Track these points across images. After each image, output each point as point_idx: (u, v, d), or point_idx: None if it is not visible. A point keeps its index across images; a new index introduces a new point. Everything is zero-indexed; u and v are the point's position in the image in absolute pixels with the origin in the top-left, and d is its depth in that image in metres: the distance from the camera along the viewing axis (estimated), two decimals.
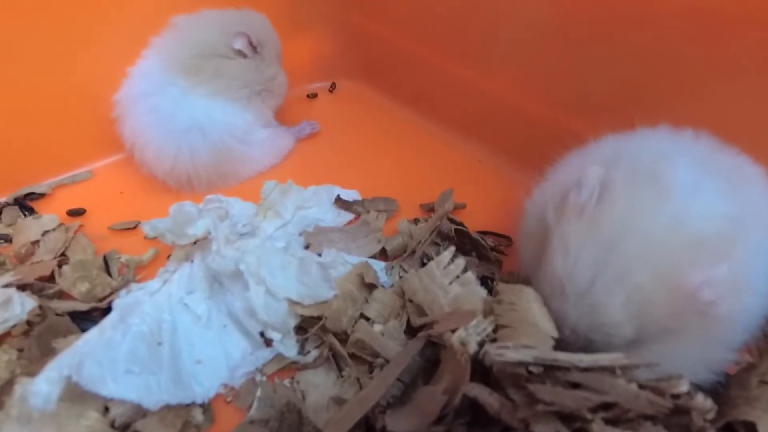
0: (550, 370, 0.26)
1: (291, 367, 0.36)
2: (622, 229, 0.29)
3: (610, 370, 0.26)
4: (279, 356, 0.37)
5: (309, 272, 0.37)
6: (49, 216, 0.51)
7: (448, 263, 0.33)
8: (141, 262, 0.46)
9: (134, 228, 0.50)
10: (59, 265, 0.44)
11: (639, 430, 0.24)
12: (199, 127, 0.50)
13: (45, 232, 0.49)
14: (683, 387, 0.25)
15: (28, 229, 0.49)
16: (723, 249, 0.28)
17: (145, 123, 0.50)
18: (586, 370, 0.26)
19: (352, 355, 0.35)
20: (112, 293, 0.42)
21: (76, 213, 0.52)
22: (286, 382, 0.35)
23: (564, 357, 0.26)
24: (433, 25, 0.59)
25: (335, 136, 0.63)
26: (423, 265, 0.37)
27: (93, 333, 0.33)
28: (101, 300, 0.41)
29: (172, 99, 0.50)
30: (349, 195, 0.50)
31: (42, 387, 0.29)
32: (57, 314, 0.39)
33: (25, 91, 0.53)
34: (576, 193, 0.31)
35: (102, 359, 0.32)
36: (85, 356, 0.31)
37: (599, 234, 0.29)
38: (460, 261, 0.33)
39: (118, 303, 0.37)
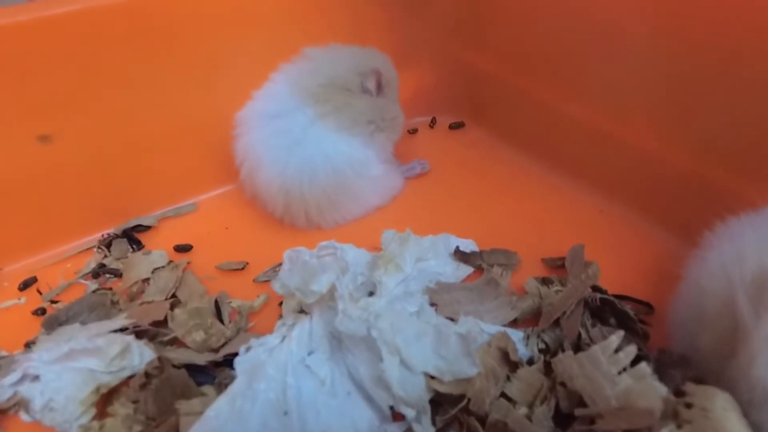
0: None
1: None
2: None
3: None
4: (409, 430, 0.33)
5: (447, 344, 0.33)
6: (158, 252, 0.50)
7: (617, 349, 0.29)
8: (252, 309, 0.44)
9: (242, 269, 0.48)
10: (171, 308, 0.43)
11: None
12: (325, 155, 0.49)
13: (155, 270, 0.48)
14: None
15: (138, 266, 0.49)
16: None
17: (270, 144, 0.49)
18: None
19: None
20: (226, 343, 0.40)
21: (183, 249, 0.52)
22: None
23: None
24: (552, 63, 0.55)
25: (441, 176, 0.60)
26: (578, 345, 0.33)
27: (222, 403, 0.31)
28: (216, 350, 0.40)
29: (301, 124, 0.49)
30: (466, 245, 0.46)
31: None
32: (174, 365, 0.38)
33: (136, 122, 0.54)
34: None
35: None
36: (218, 430, 0.29)
37: None
38: (632, 349, 0.29)
39: (241, 363, 0.35)
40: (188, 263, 0.50)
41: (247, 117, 0.51)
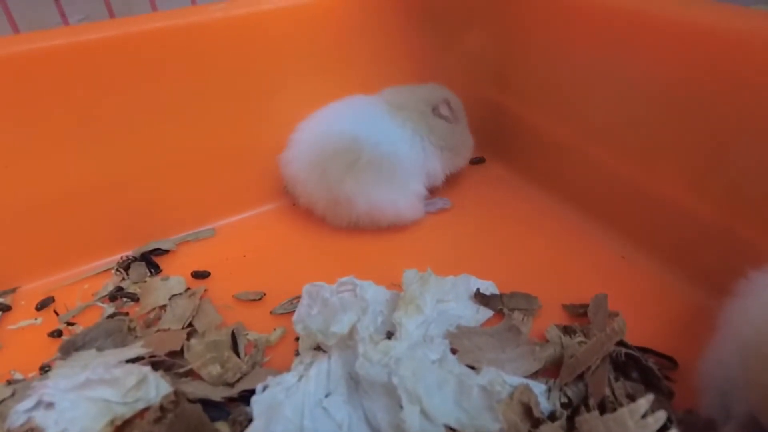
0: None
1: None
2: None
3: None
4: None
5: (469, 396, 0.33)
6: (176, 279, 0.51)
7: (645, 414, 0.29)
8: (269, 342, 0.43)
9: (260, 300, 0.49)
10: (188, 337, 0.43)
11: None
12: (400, 139, 0.55)
13: (172, 297, 0.48)
14: None
15: (156, 292, 0.49)
16: None
17: (348, 117, 0.55)
18: None
19: None
20: (242, 377, 0.40)
21: (201, 276, 0.52)
22: None
23: None
24: (579, 109, 0.56)
25: (461, 212, 0.60)
26: (602, 403, 0.32)
27: None
28: (231, 385, 0.39)
29: (382, 111, 0.56)
30: (486, 287, 0.46)
31: None
32: (189, 399, 0.38)
33: (160, 146, 0.54)
34: None
35: None
36: None
37: None
38: (661, 414, 0.28)
39: (258, 403, 0.35)
40: (205, 290, 0.50)
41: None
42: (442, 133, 0.57)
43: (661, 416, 0.28)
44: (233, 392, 0.38)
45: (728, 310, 0.34)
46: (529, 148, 0.64)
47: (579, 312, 0.44)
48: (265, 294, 0.49)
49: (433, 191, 0.61)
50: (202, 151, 0.56)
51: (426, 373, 0.33)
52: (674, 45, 0.44)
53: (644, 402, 0.29)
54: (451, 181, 0.65)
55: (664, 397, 0.36)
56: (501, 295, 0.46)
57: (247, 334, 0.44)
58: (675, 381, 0.38)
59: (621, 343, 0.38)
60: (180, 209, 0.58)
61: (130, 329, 0.45)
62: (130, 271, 0.53)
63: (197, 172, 0.57)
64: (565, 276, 0.49)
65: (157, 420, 0.36)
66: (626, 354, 0.36)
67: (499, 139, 0.68)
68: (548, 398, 0.35)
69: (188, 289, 0.49)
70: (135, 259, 0.54)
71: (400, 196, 0.54)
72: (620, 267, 0.50)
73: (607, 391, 0.33)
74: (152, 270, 0.53)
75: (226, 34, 0.53)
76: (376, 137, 0.53)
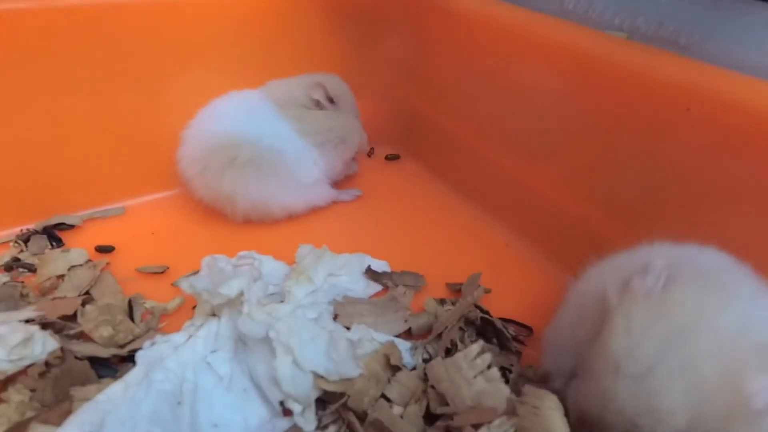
0: None
1: None
2: (693, 322, 0.30)
3: None
4: (295, 427, 0.37)
5: (338, 348, 0.38)
6: (77, 250, 0.53)
7: (475, 356, 0.35)
8: (165, 310, 0.47)
9: (162, 273, 0.52)
10: (83, 304, 0.46)
11: None
12: (275, 135, 0.57)
13: (71, 267, 0.51)
14: None
15: (54, 262, 0.51)
16: None
17: (228, 109, 0.59)
18: None
19: None
20: (133, 340, 0.43)
21: (105, 250, 0.55)
22: None
23: None
24: (479, 113, 0.64)
25: (370, 202, 0.66)
26: (448, 350, 0.39)
27: (116, 389, 0.34)
28: (122, 346, 0.43)
29: (263, 109, 0.59)
30: (379, 266, 0.52)
31: None
32: (76, 357, 0.41)
33: (72, 120, 0.57)
34: (641, 277, 0.33)
35: (124, 418, 0.33)
36: (108, 413, 0.32)
37: (667, 319, 0.30)
38: (487, 356, 0.35)
39: (142, 355, 0.38)
40: (107, 264, 0.53)
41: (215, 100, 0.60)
42: (322, 123, 0.60)
43: (486, 357, 0.35)
44: (123, 352, 0.42)
45: (569, 290, 0.42)
46: (438, 147, 0.71)
47: (457, 288, 0.51)
48: (168, 267, 0.52)
49: (344, 182, 0.67)
50: (112, 130, 0.59)
51: (301, 329, 0.39)
52: (554, 64, 0.53)
53: (476, 347, 0.35)
54: (366, 175, 0.72)
55: (513, 355, 0.43)
56: (391, 273, 0.52)
57: (144, 303, 0.48)
58: (528, 345, 0.46)
59: (482, 311, 0.44)
60: (88, 187, 0.60)
61: (23, 295, 0.47)
62: (30, 243, 0.54)
63: (106, 151, 0.59)
64: (453, 260, 0.56)
65: (42, 374, 0.39)
66: (483, 318, 0.43)
67: (413, 138, 0.75)
68: (413, 355, 0.41)
69: (89, 261, 0.52)
70: (36, 232, 0.56)
71: (284, 190, 0.58)
72: (503, 253, 0.58)
73: (459, 345, 0.40)
74: (54, 243, 0.55)
75: (139, 17, 0.56)
76: (255, 134, 0.56)
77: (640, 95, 0.46)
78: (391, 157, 0.75)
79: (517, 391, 0.35)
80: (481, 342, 0.36)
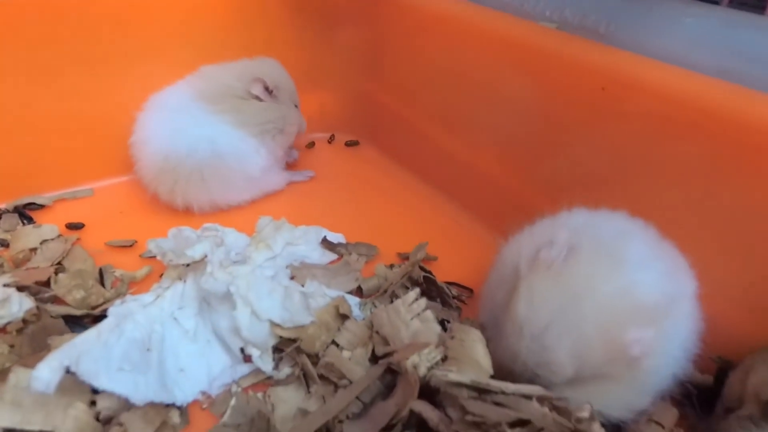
0: (482, 393, 0.33)
1: (265, 383, 0.42)
2: (581, 288, 0.36)
3: (529, 397, 0.33)
4: (255, 372, 0.42)
5: (292, 299, 0.43)
6: (48, 226, 0.57)
7: (412, 302, 0.41)
8: (134, 278, 0.51)
9: (131, 246, 0.56)
10: (56, 273, 0.50)
11: None
12: (210, 140, 0.58)
13: (43, 241, 0.55)
14: (585, 413, 0.32)
15: (26, 237, 0.55)
16: (655, 317, 0.36)
17: (161, 123, 0.59)
18: (511, 395, 0.33)
19: (321, 376, 0.41)
20: (105, 303, 0.48)
21: (75, 227, 0.58)
22: (259, 395, 0.41)
23: (495, 383, 0.33)
24: (430, 99, 0.70)
25: (329, 184, 0.71)
26: (392, 302, 0.44)
27: (90, 333, 0.39)
28: (94, 308, 0.47)
29: (194, 114, 0.59)
30: (335, 237, 0.57)
31: (44, 373, 0.34)
32: (52, 316, 0.45)
33: (42, 105, 0.61)
34: (547, 249, 0.39)
35: (98, 356, 0.37)
36: (83, 352, 0.37)
37: (561, 287, 0.36)
38: (422, 301, 0.40)
39: (113, 310, 0.43)
40: (78, 239, 0.57)
41: (147, 105, 0.61)
42: (259, 116, 0.61)
43: (422, 303, 0.41)
44: (95, 312, 0.46)
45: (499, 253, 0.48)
46: (394, 133, 0.77)
47: (406, 257, 0.57)
48: (136, 241, 0.57)
49: (301, 165, 0.72)
50: (79, 115, 0.63)
51: (259, 284, 0.44)
52: (494, 53, 0.59)
53: (412, 294, 0.41)
54: (326, 160, 0.77)
55: (453, 311, 0.49)
56: (346, 244, 0.57)
57: (114, 272, 0.52)
58: (468, 304, 0.52)
59: (424, 271, 0.50)
60: (57, 170, 0.64)
61: None
62: (1, 221, 0.58)
63: (73, 134, 0.63)
64: (404, 233, 0.62)
65: (20, 331, 0.43)
66: (425, 278, 0.49)
67: (372, 125, 0.80)
68: (361, 309, 0.47)
69: (60, 236, 0.56)
70: (7, 211, 0.59)
71: (235, 188, 0.61)
72: (452, 228, 0.64)
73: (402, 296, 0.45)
74: (25, 221, 0.59)
75: (104, 2, 0.61)
76: (191, 146, 0.57)
77: (566, 79, 0.53)
78: (351, 143, 0.81)
79: (452, 336, 0.40)
80: (417, 290, 0.41)
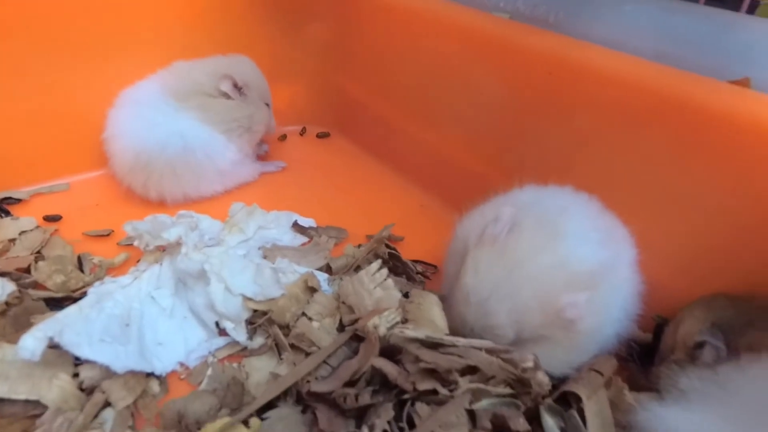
0: (436, 347, 0.37)
1: (239, 354, 0.45)
2: (520, 259, 0.40)
3: (479, 349, 0.37)
4: (230, 344, 0.46)
5: (263, 275, 0.47)
6: (26, 218, 0.59)
7: (375, 272, 0.44)
8: (113, 264, 0.54)
9: (108, 235, 0.59)
10: (35, 261, 0.53)
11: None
12: (180, 135, 0.61)
13: (22, 232, 0.57)
14: (530, 363, 0.36)
15: (5, 229, 0.57)
16: (589, 283, 0.40)
17: (133, 118, 0.61)
18: (462, 347, 0.37)
19: (292, 346, 0.44)
20: (84, 287, 0.50)
21: (53, 219, 0.61)
22: (234, 365, 0.44)
23: (448, 338, 0.37)
24: (397, 90, 0.74)
25: (300, 174, 0.75)
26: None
27: (72, 309, 0.42)
28: (74, 291, 0.50)
29: (164, 111, 0.61)
30: (306, 222, 0.61)
31: (29, 342, 0.37)
32: (33, 299, 0.47)
33: (16, 102, 0.63)
34: (492, 226, 0.43)
35: (79, 329, 0.40)
36: (65, 325, 0.40)
37: (503, 260, 0.41)
38: (384, 271, 0.44)
39: (93, 290, 0.46)
40: (56, 230, 0.59)
41: (118, 101, 0.64)
42: (227, 114, 0.64)
43: (384, 272, 0.44)
44: (75, 295, 0.49)
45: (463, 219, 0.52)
46: (364, 124, 0.81)
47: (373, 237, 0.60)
48: (113, 231, 0.59)
49: (273, 156, 0.76)
50: (53, 111, 0.65)
51: (232, 262, 0.47)
52: (454, 42, 0.63)
53: (375, 265, 0.45)
54: (298, 152, 0.80)
55: (417, 285, 0.52)
56: (317, 227, 0.61)
57: (92, 258, 0.55)
58: (432, 279, 0.56)
59: (389, 247, 0.54)
60: (33, 165, 0.66)
61: None
62: None
63: (48, 130, 0.66)
64: (373, 218, 0.65)
65: (3, 313, 0.46)
66: (391, 254, 0.53)
67: (342, 117, 0.84)
68: (330, 284, 0.50)
69: (39, 227, 0.58)
70: None
71: (208, 181, 0.64)
72: (418, 212, 0.68)
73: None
74: (2, 215, 0.61)
75: None
76: (162, 142, 0.60)
77: (518, 65, 0.57)
78: (322, 135, 0.84)
79: (410, 301, 0.44)
80: (379, 260, 0.45)
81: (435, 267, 0.57)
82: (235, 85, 0.65)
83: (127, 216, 0.62)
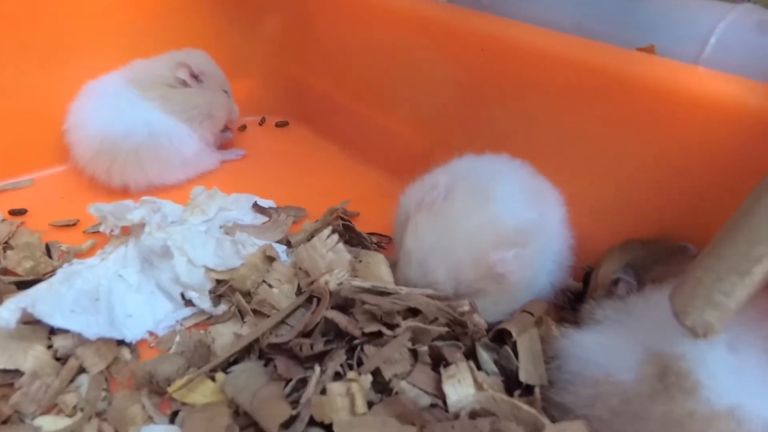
0: (382, 295, 0.42)
1: (205, 323, 0.50)
2: (454, 222, 0.45)
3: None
4: (196, 314, 0.50)
5: (224, 247, 0.51)
6: None
7: (327, 237, 0.49)
8: (80, 251, 0.58)
9: (74, 225, 0.62)
10: (4, 250, 0.56)
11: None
12: (146, 122, 0.65)
13: None
14: (466, 307, 0.42)
15: None
16: (517, 240, 0.45)
17: (97, 107, 0.65)
18: (405, 294, 0.42)
19: (255, 311, 0.49)
20: (53, 271, 0.54)
21: (18, 213, 0.64)
22: (201, 332, 0.48)
23: (392, 287, 0.42)
24: (350, 77, 0.79)
25: (260, 161, 0.79)
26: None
27: (42, 286, 0.46)
28: (44, 275, 0.53)
29: (129, 100, 0.65)
30: (266, 203, 0.65)
31: (4, 313, 0.41)
32: (4, 284, 0.51)
33: None
34: (429, 193, 0.48)
35: (51, 302, 0.44)
36: (37, 299, 0.43)
37: (439, 223, 0.46)
38: (335, 236, 0.49)
39: (62, 270, 0.49)
40: (22, 222, 0.62)
41: (82, 92, 0.68)
42: (187, 101, 0.68)
43: (335, 237, 0.49)
44: (45, 278, 0.52)
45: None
46: (322, 111, 0.86)
47: None
48: (79, 220, 0.63)
49: (233, 146, 0.80)
50: (14, 107, 0.68)
51: (193, 237, 0.51)
52: (399, 28, 0.68)
53: (326, 231, 0.50)
54: (257, 141, 0.85)
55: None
56: (277, 207, 0.65)
57: (60, 246, 0.58)
58: (388, 249, 0.61)
59: (344, 220, 0.59)
60: None
61: None
62: None
63: (10, 126, 0.69)
64: (332, 197, 0.69)
65: None
66: (344, 225, 0.58)
67: (300, 106, 0.89)
68: (288, 255, 0.55)
69: (5, 220, 0.61)
70: None
71: (170, 169, 0.68)
72: (374, 190, 0.73)
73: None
74: None
75: None
76: (127, 128, 0.64)
77: (456, 46, 0.62)
78: (281, 124, 0.89)
79: (359, 261, 0.49)
80: (330, 227, 0.50)
81: (390, 238, 0.62)
82: (192, 74, 0.69)
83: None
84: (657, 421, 0.34)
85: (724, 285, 0.33)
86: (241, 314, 0.49)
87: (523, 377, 0.41)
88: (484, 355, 0.42)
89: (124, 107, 0.65)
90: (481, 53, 0.58)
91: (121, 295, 0.49)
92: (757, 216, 0.34)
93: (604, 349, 0.39)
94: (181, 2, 0.78)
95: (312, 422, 0.37)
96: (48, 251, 0.57)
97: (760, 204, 0.34)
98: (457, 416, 0.37)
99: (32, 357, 0.43)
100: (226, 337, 0.47)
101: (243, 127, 0.87)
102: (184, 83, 0.69)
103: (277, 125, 0.88)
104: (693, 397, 0.34)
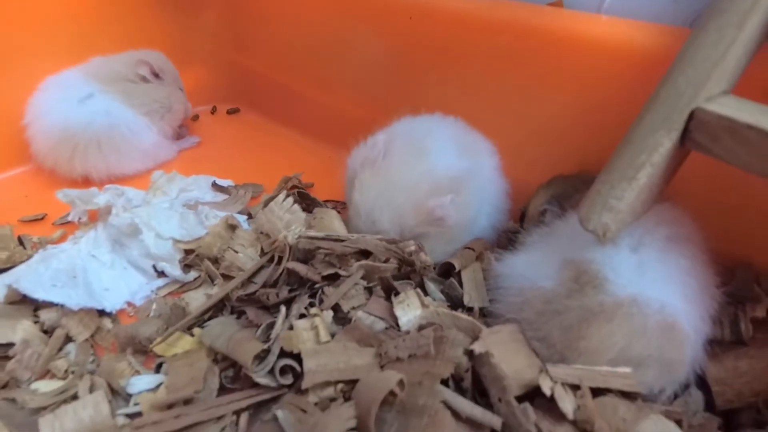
0: (335, 242, 0.49)
1: (179, 291, 0.55)
2: (394, 175, 0.52)
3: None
4: (170, 283, 0.56)
5: (188, 219, 0.57)
6: None
7: (282, 201, 0.56)
8: (52, 240, 0.62)
9: (42, 219, 0.67)
10: None
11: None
12: (106, 113, 0.70)
13: None
14: (412, 247, 0.49)
15: None
16: (453, 188, 0.52)
17: (58, 100, 0.70)
18: (356, 239, 0.49)
19: (224, 275, 0.55)
20: (28, 260, 0.58)
21: None
22: (176, 299, 0.54)
23: (344, 234, 0.49)
24: (292, 60, 0.85)
25: (215, 147, 0.85)
26: None
27: (21, 266, 0.51)
28: (21, 263, 0.58)
29: (88, 92, 0.70)
30: (225, 182, 0.71)
31: None
32: None
33: None
34: (371, 152, 0.54)
35: (32, 279, 0.49)
36: (19, 277, 0.49)
37: (380, 177, 0.53)
38: (290, 199, 0.56)
39: (38, 254, 0.54)
40: None
41: (43, 85, 0.72)
42: (148, 95, 0.74)
43: (290, 200, 0.55)
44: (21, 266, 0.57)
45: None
46: (271, 96, 0.91)
47: None
48: (47, 214, 0.67)
49: (182, 134, 0.86)
50: None
51: (158, 213, 0.57)
52: (336, 8, 0.74)
53: (281, 195, 0.56)
54: (210, 128, 0.90)
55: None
56: (235, 185, 0.71)
57: (32, 238, 0.63)
58: (342, 212, 0.67)
59: (299, 188, 0.65)
60: None
61: None
62: None
63: None
64: (287, 173, 0.76)
65: None
66: (299, 193, 0.64)
67: (248, 92, 0.94)
68: (249, 224, 0.61)
69: None
70: None
71: (130, 159, 0.73)
72: (327, 163, 0.80)
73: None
74: None
75: None
76: (88, 118, 0.69)
77: (384, 17, 0.69)
78: (232, 111, 0.94)
79: (314, 217, 0.56)
80: (285, 191, 0.56)
81: (344, 203, 0.69)
82: (153, 71, 0.75)
83: (57, 203, 0.70)
84: (574, 314, 0.42)
85: (616, 191, 0.40)
86: (211, 279, 0.55)
87: (467, 300, 0.49)
88: (431, 286, 0.50)
89: (83, 98, 0.70)
90: (409, 22, 0.65)
91: (96, 271, 0.54)
92: (638, 132, 0.42)
93: (529, 265, 0.46)
94: (116, 2, 0.83)
95: (283, 354, 0.43)
96: (21, 243, 0.61)
97: (640, 122, 0.42)
98: (408, 333, 0.44)
99: (21, 330, 0.48)
100: (199, 300, 0.53)
101: (196, 117, 0.92)
102: (144, 79, 0.74)
103: (228, 112, 0.94)
104: (602, 290, 0.42)
